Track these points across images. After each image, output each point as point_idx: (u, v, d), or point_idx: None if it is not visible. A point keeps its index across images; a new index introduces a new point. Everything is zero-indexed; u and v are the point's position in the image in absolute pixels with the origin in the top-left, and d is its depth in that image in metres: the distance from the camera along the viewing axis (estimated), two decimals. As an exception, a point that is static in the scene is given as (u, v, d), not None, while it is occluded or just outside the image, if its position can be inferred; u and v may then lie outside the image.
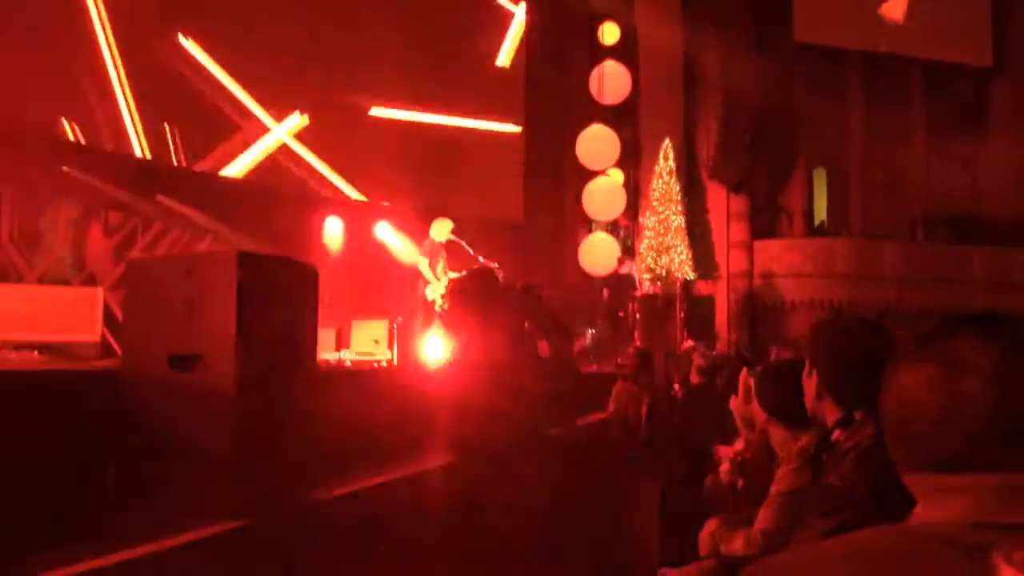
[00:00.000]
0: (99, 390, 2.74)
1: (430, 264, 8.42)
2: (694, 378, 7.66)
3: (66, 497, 2.44)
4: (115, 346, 7.29)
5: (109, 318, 6.77)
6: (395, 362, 8.87)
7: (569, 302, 11.74)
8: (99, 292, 5.84)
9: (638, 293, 14.01)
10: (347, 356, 9.39)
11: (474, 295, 3.64)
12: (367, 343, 9.55)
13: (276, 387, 2.65)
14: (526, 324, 3.54)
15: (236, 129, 11.65)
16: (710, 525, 2.99)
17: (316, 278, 2.88)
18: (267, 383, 2.61)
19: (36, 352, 5.20)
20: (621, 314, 13.59)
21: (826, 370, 2.15)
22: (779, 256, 16.02)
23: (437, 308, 8.29)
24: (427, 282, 8.39)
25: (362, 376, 5.79)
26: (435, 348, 8.53)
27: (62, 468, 2.47)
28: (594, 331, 12.44)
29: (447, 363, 3.96)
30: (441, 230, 8.63)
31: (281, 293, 2.70)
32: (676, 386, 7.62)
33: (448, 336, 3.85)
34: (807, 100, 15.40)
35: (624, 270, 13.77)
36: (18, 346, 4.98)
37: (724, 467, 4.96)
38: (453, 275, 8.25)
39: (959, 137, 16.42)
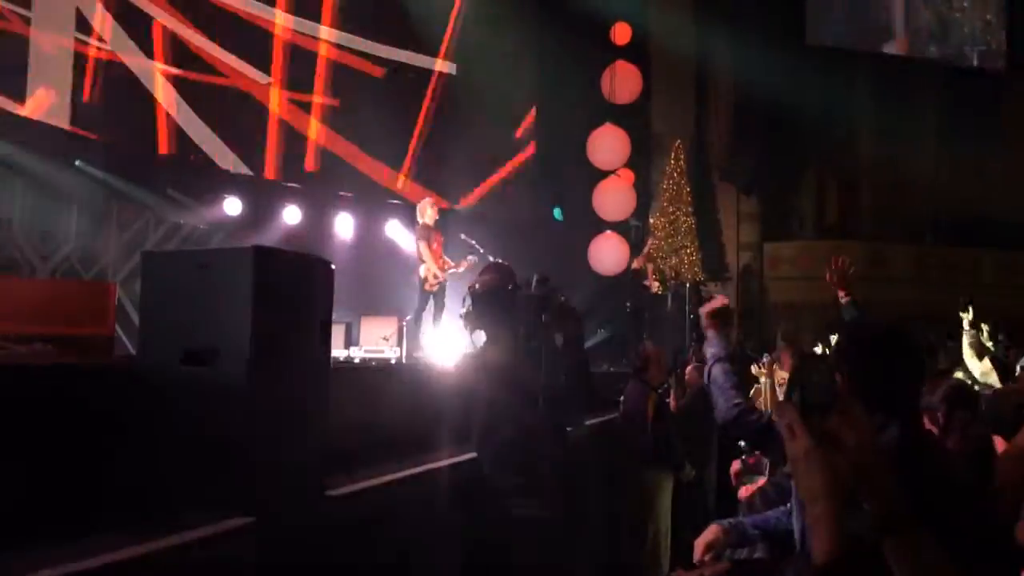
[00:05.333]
0: (113, 384, 2.75)
1: (427, 246, 8.57)
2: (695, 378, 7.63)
3: (78, 492, 2.45)
4: (126, 341, 7.34)
5: (120, 313, 6.79)
6: (404, 359, 8.92)
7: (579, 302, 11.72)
8: (114, 286, 5.84)
9: (648, 293, 13.98)
10: (356, 353, 9.43)
11: (496, 291, 3.65)
12: (376, 340, 9.60)
13: (291, 382, 2.66)
14: (544, 317, 3.54)
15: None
16: (707, 535, 2.95)
17: (331, 273, 2.90)
18: (282, 378, 2.61)
19: (49, 345, 5.21)
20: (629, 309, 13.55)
21: (853, 373, 2.11)
22: (789, 258, 15.99)
23: (427, 287, 8.54)
24: (422, 260, 8.56)
25: (372, 372, 5.80)
26: (446, 343, 8.61)
27: (74, 462, 2.48)
28: (603, 330, 12.44)
29: (469, 358, 3.98)
30: (430, 211, 8.75)
31: (296, 288, 2.71)
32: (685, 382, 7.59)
33: (470, 333, 3.87)
34: (818, 102, 15.35)
35: (647, 282, 13.74)
36: (30, 339, 4.99)
37: (734, 468, 4.96)
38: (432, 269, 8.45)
39: (970, 140, 16.33)
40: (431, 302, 8.66)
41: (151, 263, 2.78)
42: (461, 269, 8.61)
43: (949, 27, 17.34)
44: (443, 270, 8.61)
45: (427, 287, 8.58)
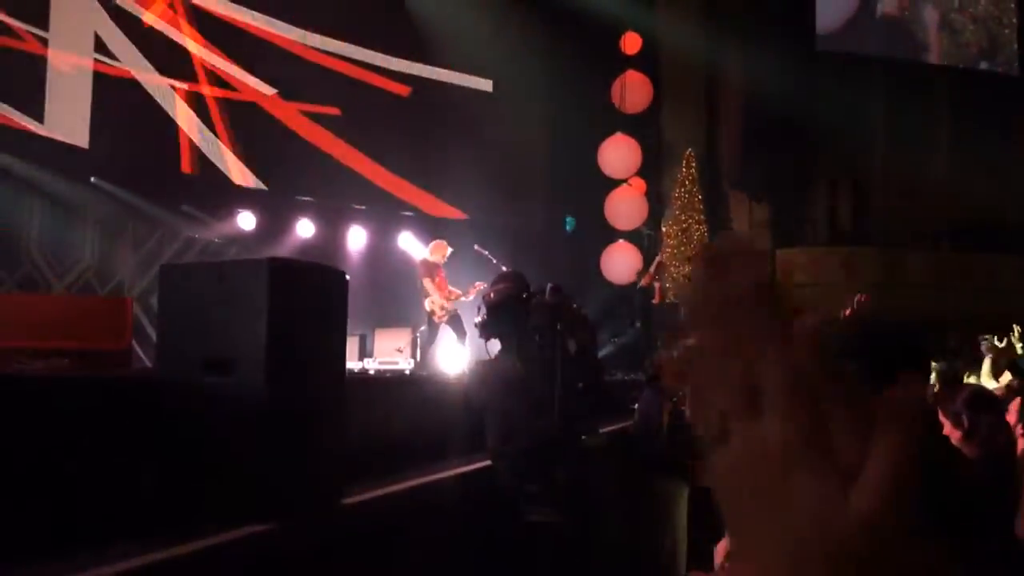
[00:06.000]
0: (132, 395, 2.79)
1: (430, 281, 8.75)
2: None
3: (98, 501, 2.48)
4: (142, 354, 7.40)
5: (135, 327, 6.84)
6: (417, 371, 8.95)
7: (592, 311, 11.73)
8: (130, 301, 5.91)
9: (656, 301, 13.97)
10: (370, 364, 9.47)
11: (510, 300, 3.68)
12: (390, 351, 9.63)
13: (307, 392, 2.68)
14: (557, 325, 3.56)
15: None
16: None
17: (346, 284, 2.93)
18: (298, 388, 2.64)
19: (66, 360, 5.27)
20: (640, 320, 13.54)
21: (868, 380, 2.10)
22: (802, 265, 15.91)
23: (436, 319, 8.77)
24: (427, 295, 8.70)
25: (386, 383, 5.83)
26: (455, 355, 8.71)
27: (92, 472, 2.51)
28: (617, 339, 12.43)
29: (480, 367, 3.99)
30: (438, 253, 8.94)
31: (312, 299, 2.74)
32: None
33: (485, 341, 3.89)
34: (829, 108, 15.31)
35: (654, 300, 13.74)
36: (47, 354, 5.04)
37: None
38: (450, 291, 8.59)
39: (986, 143, 16.23)
40: (442, 332, 8.80)
41: (169, 276, 2.82)
42: (470, 297, 8.70)
43: (999, 43, 17.40)
44: (450, 300, 8.74)
45: (436, 319, 8.72)
